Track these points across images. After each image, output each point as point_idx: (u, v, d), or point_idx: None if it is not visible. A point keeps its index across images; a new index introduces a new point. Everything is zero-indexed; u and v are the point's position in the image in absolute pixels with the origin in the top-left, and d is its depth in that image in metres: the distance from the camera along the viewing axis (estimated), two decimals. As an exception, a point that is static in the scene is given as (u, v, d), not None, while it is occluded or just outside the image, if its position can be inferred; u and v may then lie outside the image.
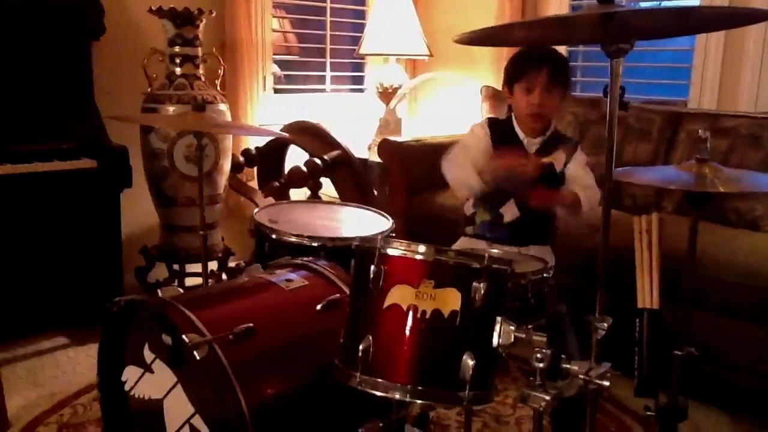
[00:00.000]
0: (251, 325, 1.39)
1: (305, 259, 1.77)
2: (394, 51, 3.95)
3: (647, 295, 1.70)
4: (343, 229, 2.16)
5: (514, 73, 2.10)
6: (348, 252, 1.44)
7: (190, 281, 3.15)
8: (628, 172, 1.91)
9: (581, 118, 3.25)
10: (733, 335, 2.26)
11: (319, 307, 1.54)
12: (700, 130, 1.75)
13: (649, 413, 1.72)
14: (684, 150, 2.92)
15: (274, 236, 2.01)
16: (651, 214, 1.82)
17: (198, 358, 1.28)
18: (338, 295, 1.58)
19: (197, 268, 2.95)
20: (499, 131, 2.17)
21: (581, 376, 1.28)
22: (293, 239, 1.98)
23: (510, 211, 2.13)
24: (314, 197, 3.38)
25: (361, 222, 2.22)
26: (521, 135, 2.13)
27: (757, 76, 3.15)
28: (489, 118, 2.26)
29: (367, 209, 2.36)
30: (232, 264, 3.27)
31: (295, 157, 3.54)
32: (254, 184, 3.64)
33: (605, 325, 1.34)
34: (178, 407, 1.40)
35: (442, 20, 4.12)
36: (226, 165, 3.15)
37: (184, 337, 1.30)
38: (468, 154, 2.10)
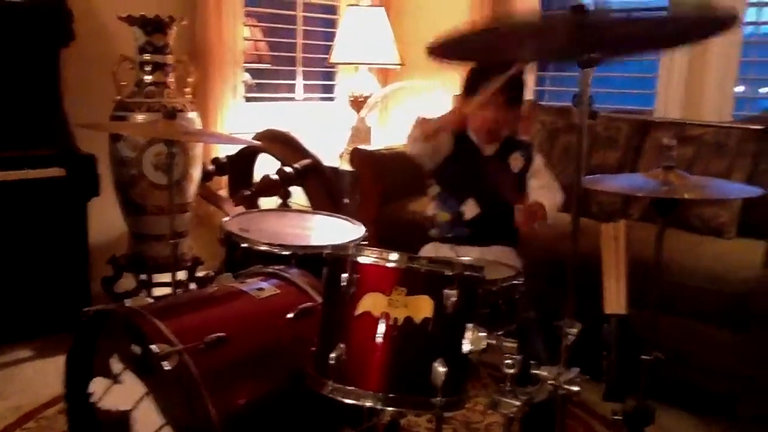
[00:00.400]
0: (222, 334, 1.38)
1: (276, 267, 1.76)
2: (365, 60, 3.96)
3: (615, 300, 1.72)
4: (314, 238, 2.16)
5: (469, 88, 2.16)
6: (319, 260, 1.44)
7: (158, 291, 3.11)
8: (596, 179, 1.94)
9: (549, 127, 3.28)
10: (699, 339, 2.30)
11: (290, 315, 1.54)
12: (665, 139, 1.79)
13: (616, 417, 1.74)
14: (651, 158, 2.96)
15: (244, 245, 2.00)
16: (619, 221, 1.85)
17: (168, 368, 1.27)
18: (310, 303, 1.58)
19: (166, 277, 2.92)
20: (460, 140, 2.26)
21: (551, 382, 1.29)
22: (264, 248, 1.97)
23: (470, 210, 2.18)
24: (285, 206, 3.37)
25: (332, 230, 2.22)
26: (476, 141, 2.24)
27: (720, 85, 3.22)
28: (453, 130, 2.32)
29: (339, 217, 2.36)
30: (201, 273, 3.24)
31: (266, 166, 3.53)
32: (224, 192, 3.61)
33: (575, 330, 1.36)
34: (146, 418, 1.38)
35: (413, 29, 4.14)
36: (196, 173, 3.13)
37: (153, 346, 1.28)
38: None
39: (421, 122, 2.15)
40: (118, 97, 3.00)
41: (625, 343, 1.71)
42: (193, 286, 3.17)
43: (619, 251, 1.75)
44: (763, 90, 3.49)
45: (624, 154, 3.10)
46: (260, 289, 1.63)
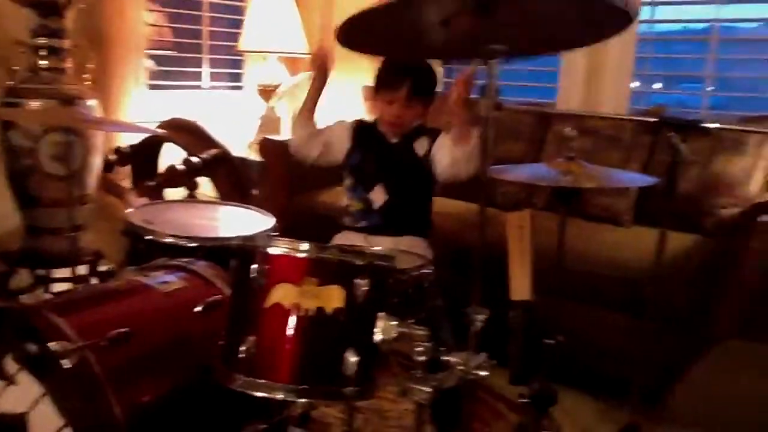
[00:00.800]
0: (126, 329, 1.34)
1: (183, 260, 1.72)
2: (274, 48, 3.90)
3: (520, 287, 1.78)
4: (222, 229, 2.12)
5: (377, 83, 2.20)
6: (228, 252, 1.41)
7: (57, 287, 2.97)
8: (502, 169, 1.99)
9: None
10: (599, 324, 2.41)
11: (198, 309, 1.50)
12: (566, 129, 1.86)
13: (523, 400, 1.80)
14: (553, 149, 3.07)
15: (149, 237, 1.94)
16: (523, 210, 1.91)
17: (67, 366, 1.22)
18: (218, 296, 1.55)
19: (65, 273, 2.79)
20: (364, 130, 2.32)
21: (460, 367, 1.32)
22: (169, 240, 1.91)
23: (378, 196, 2.20)
24: (191, 197, 3.29)
25: (240, 221, 2.19)
26: (383, 129, 2.29)
27: (617, 80, 3.37)
28: (357, 120, 2.35)
29: (247, 208, 2.33)
30: (103, 268, 3.11)
31: (171, 156, 3.43)
32: (127, 183, 3.49)
33: (482, 317, 1.39)
34: (45, 420, 1.32)
35: (321, 18, 4.10)
36: (97, 163, 3.00)
37: (51, 344, 1.23)
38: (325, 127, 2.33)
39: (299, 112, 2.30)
40: (10, 83, 2.83)
41: (530, 329, 1.77)
42: (94, 281, 3.04)
43: (524, 239, 1.80)
44: (656, 85, 3.68)
45: (527, 145, 3.20)
46: (166, 283, 1.59)
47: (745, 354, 1.70)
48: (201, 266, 1.67)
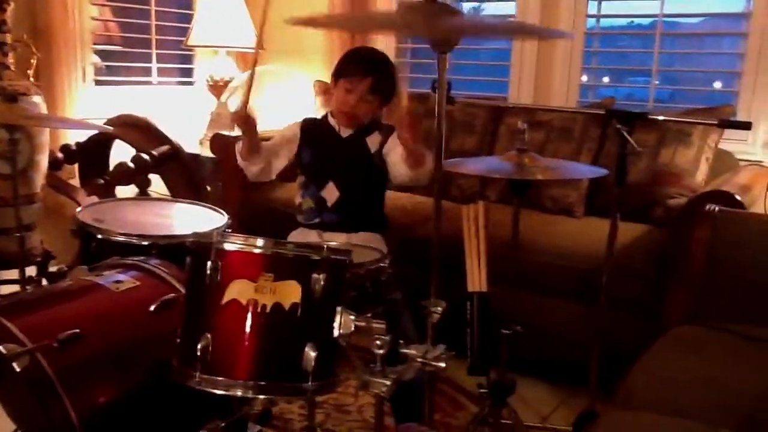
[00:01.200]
0: (77, 330, 1.31)
1: (136, 258, 1.69)
2: (224, 43, 3.85)
3: (476, 279, 1.79)
4: (175, 226, 2.09)
5: (340, 69, 2.20)
6: (181, 250, 1.40)
7: (5, 289, 2.89)
8: (456, 162, 2.01)
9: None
10: (554, 313, 2.45)
11: (152, 307, 1.48)
12: (519, 122, 1.88)
13: (482, 390, 1.82)
14: (505, 142, 3.10)
15: (100, 236, 1.89)
16: (478, 202, 1.93)
17: (18, 369, 1.19)
18: (173, 294, 1.53)
19: (13, 274, 2.71)
20: (314, 127, 2.31)
21: (419, 359, 1.32)
22: (122, 238, 1.87)
23: (330, 194, 2.20)
24: (143, 194, 3.23)
25: (194, 218, 2.16)
26: (334, 124, 2.26)
27: (566, 74, 3.42)
28: (305, 119, 2.36)
29: (200, 205, 2.29)
30: (53, 268, 3.03)
31: (121, 153, 3.36)
32: (75, 181, 3.41)
33: (440, 309, 1.40)
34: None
35: (273, 12, 4.06)
36: (43, 161, 2.92)
37: (0, 347, 1.19)
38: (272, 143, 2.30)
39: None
40: (-51, 79, 2.74)
41: (487, 320, 1.79)
42: (44, 282, 2.97)
43: (479, 231, 1.82)
44: (604, 79, 3.75)
45: (481, 138, 3.22)
46: (118, 282, 1.56)
47: (695, 339, 1.75)
48: (155, 264, 1.64)
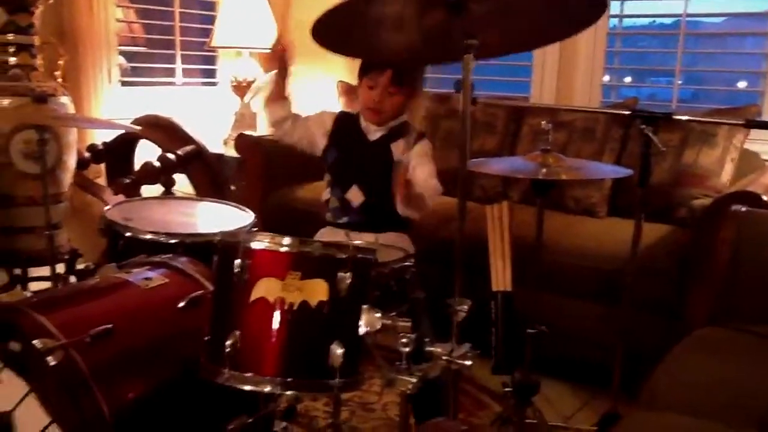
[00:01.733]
0: (109, 326, 1.33)
1: (164, 256, 1.71)
2: (247, 44, 3.88)
3: (501, 278, 1.80)
4: (201, 225, 2.12)
5: (362, 69, 2.21)
6: (207, 248, 1.42)
7: (35, 286, 2.94)
8: (481, 162, 2.02)
9: (430, 113, 3.37)
10: (575, 313, 2.44)
11: (181, 304, 1.50)
12: (543, 122, 1.88)
13: (506, 389, 1.83)
14: (527, 143, 3.10)
15: (128, 234, 1.92)
16: (502, 202, 1.93)
17: (52, 363, 1.22)
18: (201, 291, 1.55)
19: (42, 271, 2.76)
20: (345, 124, 2.30)
21: (444, 358, 1.33)
22: (150, 237, 1.90)
23: (355, 196, 2.21)
24: (168, 194, 3.26)
25: (220, 217, 2.18)
26: (364, 124, 2.26)
27: (589, 74, 3.42)
28: (341, 112, 2.36)
29: (225, 204, 2.32)
30: (81, 266, 3.08)
31: (146, 153, 3.40)
32: (102, 181, 3.45)
33: (465, 307, 1.41)
34: (31, 418, 1.31)
35: (296, 14, 4.10)
36: (71, 161, 2.97)
37: (35, 342, 1.22)
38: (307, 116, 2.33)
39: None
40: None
41: (511, 319, 1.80)
42: (72, 279, 3.02)
43: (504, 231, 1.82)
44: (626, 79, 3.73)
45: (502, 139, 3.23)
46: (148, 279, 1.58)
47: (718, 341, 1.74)
48: (183, 262, 1.66)
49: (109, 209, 2.08)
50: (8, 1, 2.73)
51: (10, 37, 2.79)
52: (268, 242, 1.32)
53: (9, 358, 1.31)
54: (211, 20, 3.99)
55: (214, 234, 1.42)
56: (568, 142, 2.99)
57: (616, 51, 3.47)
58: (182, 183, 3.40)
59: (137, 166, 3.30)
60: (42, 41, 2.89)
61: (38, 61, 2.88)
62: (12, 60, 2.80)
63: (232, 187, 3.43)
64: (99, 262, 2.47)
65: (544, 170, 1.79)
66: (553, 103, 3.44)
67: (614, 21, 3.44)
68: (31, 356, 1.25)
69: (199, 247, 1.86)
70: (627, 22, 3.55)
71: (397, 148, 2.22)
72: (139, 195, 3.25)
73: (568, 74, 3.47)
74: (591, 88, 3.43)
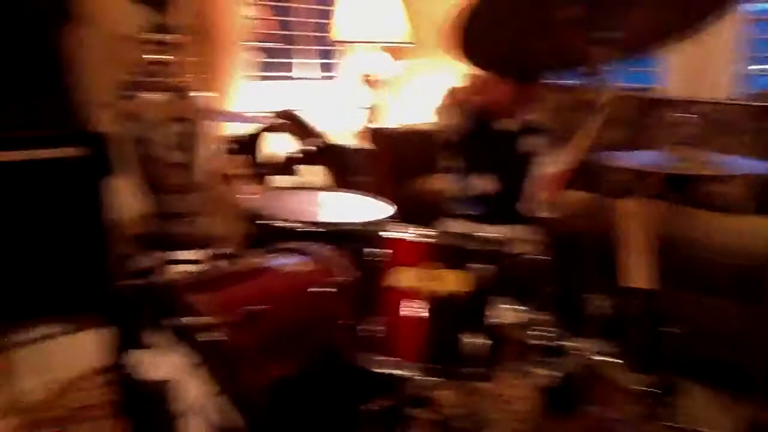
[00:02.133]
0: (262, 307, 1.43)
1: (304, 244, 1.80)
2: (377, 38, 3.95)
3: (639, 274, 1.77)
4: (338, 215, 2.20)
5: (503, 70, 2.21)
6: (344, 237, 1.47)
7: (181, 269, 3.14)
8: (613, 156, 1.99)
9: (555, 105, 3.31)
10: (714, 312, 2.35)
11: (322, 289, 1.59)
12: (679, 114, 1.83)
13: (647, 390, 1.79)
14: (655, 135, 3.00)
15: (269, 222, 2.02)
16: (636, 197, 1.90)
17: (216, 339, 1.33)
18: (340, 278, 1.63)
19: (187, 256, 2.95)
20: (480, 114, 2.31)
21: (581, 353, 1.35)
22: (287, 225, 1.98)
23: (489, 186, 2.23)
24: (303, 184, 3.40)
25: (358, 208, 2.25)
26: (496, 116, 2.28)
27: (722, 63, 3.25)
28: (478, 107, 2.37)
29: (362, 195, 2.39)
30: (224, 251, 3.26)
31: (278, 145, 3.55)
32: (240, 171, 3.63)
33: (604, 304, 1.41)
34: (191, 388, 1.44)
35: (425, 6, 4.12)
36: (211, 152, 3.16)
37: (198, 318, 1.33)
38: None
39: (452, 91, 2.32)
40: (125, 77, 2.99)
41: (649, 317, 1.76)
42: (216, 263, 3.20)
43: (640, 227, 1.79)
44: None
45: (629, 131, 3.14)
46: (289, 265, 1.68)
47: None
48: (322, 250, 1.75)
49: (250, 198, 2.19)
50: (150, 0, 2.93)
51: (152, 35, 2.98)
52: (407, 233, 1.37)
53: (174, 333, 1.44)
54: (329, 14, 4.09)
55: (357, 223, 1.48)
56: (701, 135, 2.87)
57: (756, 38, 3.28)
58: (313, 175, 3.53)
59: (273, 158, 3.45)
60: (181, 38, 3.07)
61: (177, 58, 3.06)
62: (154, 57, 2.99)
63: (362, 179, 3.52)
64: (241, 249, 2.61)
65: (682, 165, 1.75)
66: (683, 95, 3.31)
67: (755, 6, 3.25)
68: (193, 332, 1.36)
69: (335, 235, 1.93)
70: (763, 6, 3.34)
71: (532, 143, 2.23)
72: (275, 185, 3.40)
73: (700, 64, 3.31)
74: (724, 77, 3.26)
